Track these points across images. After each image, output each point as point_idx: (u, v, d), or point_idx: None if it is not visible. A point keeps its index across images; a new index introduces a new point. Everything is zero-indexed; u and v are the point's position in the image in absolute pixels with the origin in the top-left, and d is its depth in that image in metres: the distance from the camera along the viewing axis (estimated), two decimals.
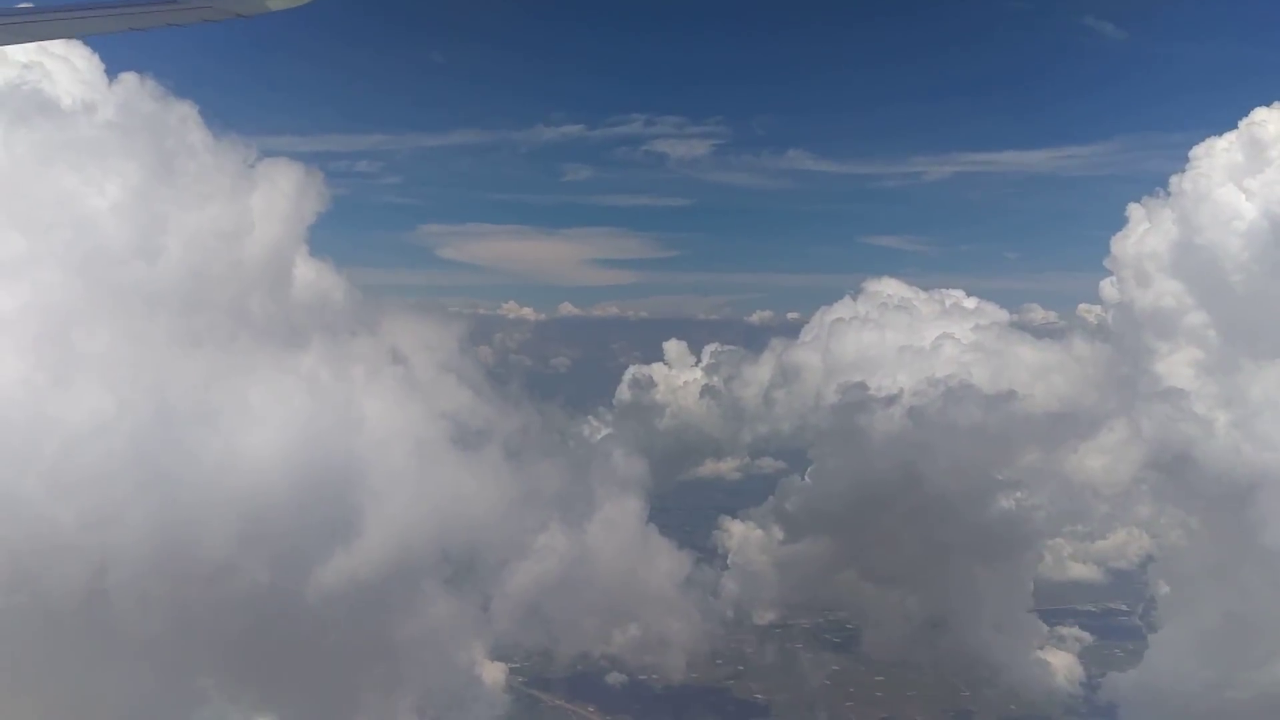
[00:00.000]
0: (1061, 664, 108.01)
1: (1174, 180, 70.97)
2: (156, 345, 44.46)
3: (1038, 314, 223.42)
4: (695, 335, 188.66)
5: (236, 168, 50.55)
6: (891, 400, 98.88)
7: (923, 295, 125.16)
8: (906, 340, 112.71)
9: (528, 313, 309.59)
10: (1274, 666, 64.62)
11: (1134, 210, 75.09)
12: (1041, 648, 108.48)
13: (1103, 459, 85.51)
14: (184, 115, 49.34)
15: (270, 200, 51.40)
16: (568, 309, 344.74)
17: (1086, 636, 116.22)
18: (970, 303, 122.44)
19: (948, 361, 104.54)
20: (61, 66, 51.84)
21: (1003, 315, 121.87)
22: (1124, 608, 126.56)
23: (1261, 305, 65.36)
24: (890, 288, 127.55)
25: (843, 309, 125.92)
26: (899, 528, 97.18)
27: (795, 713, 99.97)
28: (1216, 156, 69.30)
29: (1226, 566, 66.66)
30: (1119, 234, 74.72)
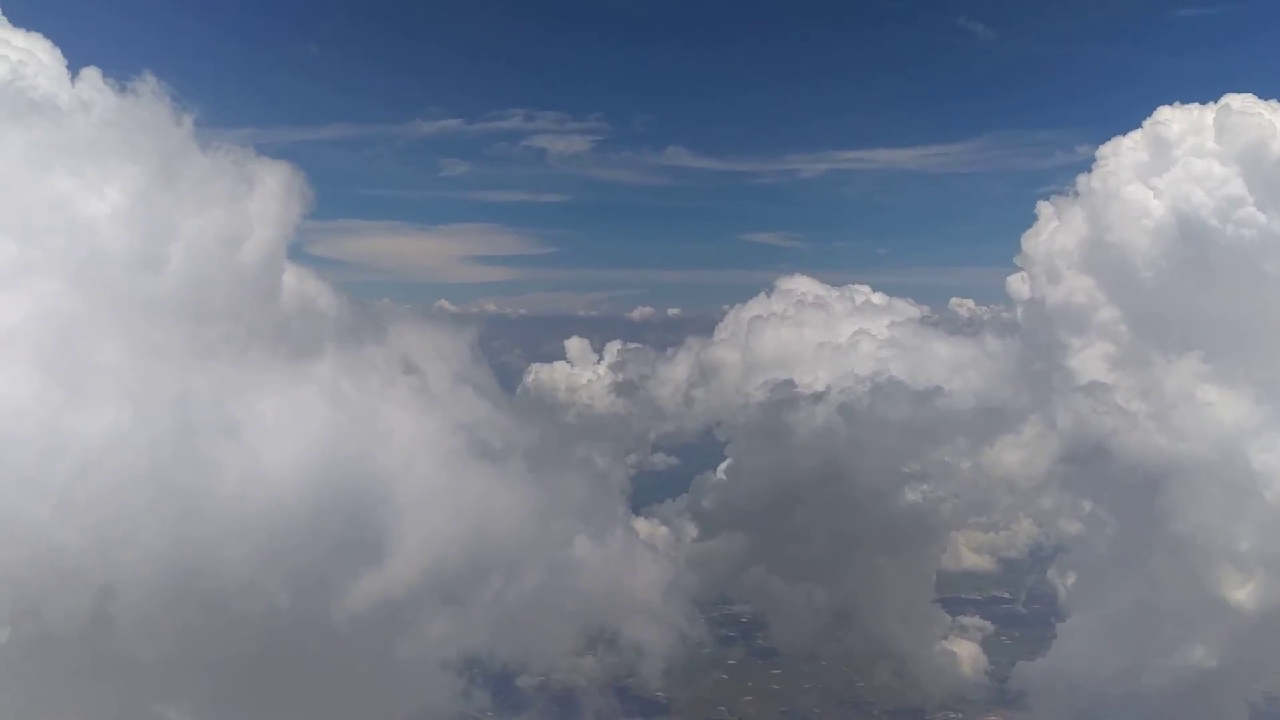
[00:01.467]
0: (966, 653, 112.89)
1: (1081, 179, 73.75)
2: (167, 357, 41.90)
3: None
4: (576, 332, 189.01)
5: (234, 168, 47.92)
6: (819, 397, 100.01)
7: (834, 292, 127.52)
8: (824, 337, 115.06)
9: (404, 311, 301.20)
10: (1185, 652, 66.91)
11: (1043, 208, 78.14)
12: (945, 637, 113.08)
13: (1018, 453, 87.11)
14: (178, 115, 46.51)
15: (261, 202, 48.95)
16: (445, 306, 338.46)
17: (988, 625, 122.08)
18: (877, 298, 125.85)
19: (866, 357, 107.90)
20: (30, 61, 48.84)
21: (915, 311, 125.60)
22: (1006, 596, 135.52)
23: (1171, 300, 68.41)
24: (802, 285, 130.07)
25: (758, 306, 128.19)
26: (812, 523, 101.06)
27: (694, 708, 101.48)
28: (1123, 155, 71.93)
29: (1136, 555, 69.50)
30: (1029, 231, 77.49)
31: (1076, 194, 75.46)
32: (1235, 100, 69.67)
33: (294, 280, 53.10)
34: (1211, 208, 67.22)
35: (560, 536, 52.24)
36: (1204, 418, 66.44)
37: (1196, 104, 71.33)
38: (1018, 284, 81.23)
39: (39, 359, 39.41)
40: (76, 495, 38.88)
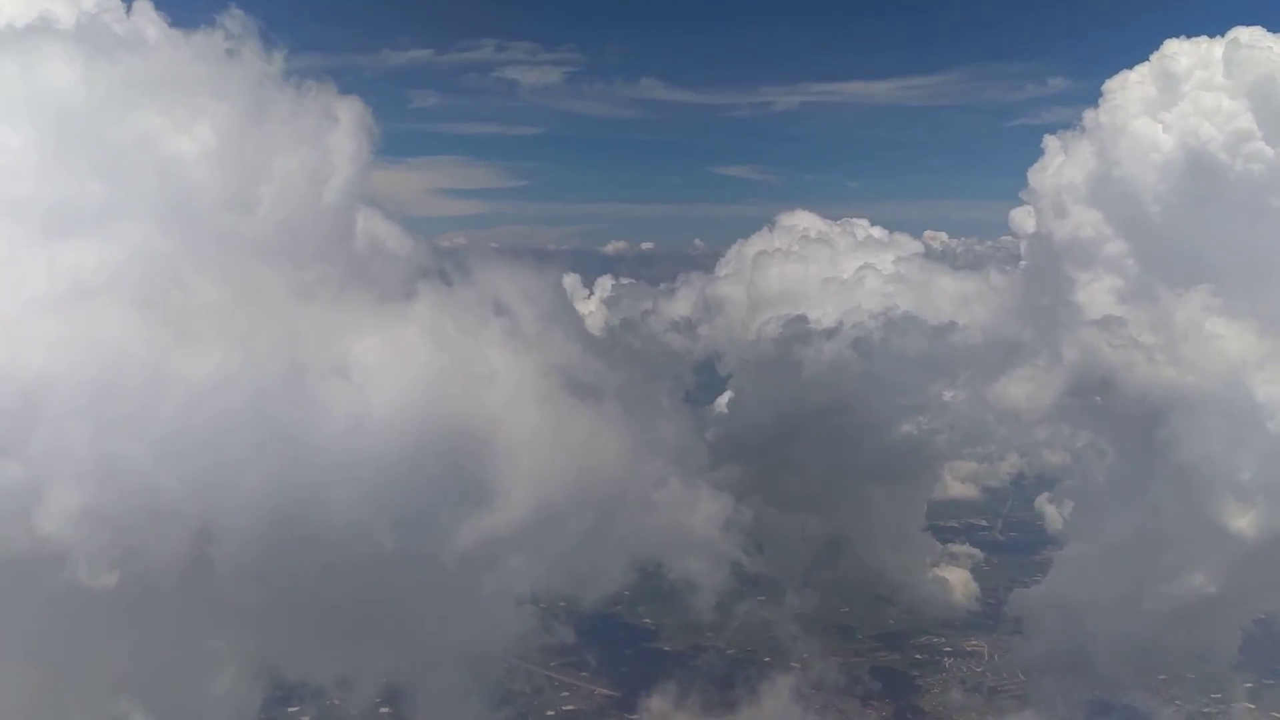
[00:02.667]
0: (958, 580, 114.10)
1: (1088, 114, 74.12)
2: (268, 299, 40.93)
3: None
4: (549, 265, 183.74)
5: (317, 104, 46.66)
6: (831, 332, 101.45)
7: (835, 227, 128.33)
8: (829, 272, 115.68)
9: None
10: (1185, 578, 68.88)
11: (1050, 142, 78.44)
12: (936, 565, 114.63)
13: (1025, 386, 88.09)
14: (268, 51, 45.25)
15: (339, 139, 47.80)
16: None
17: (977, 553, 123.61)
18: (877, 232, 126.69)
19: (872, 293, 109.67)
20: None
21: (917, 246, 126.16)
22: (984, 523, 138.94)
23: (1179, 234, 68.87)
24: (804, 220, 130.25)
25: (761, 242, 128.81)
26: (811, 455, 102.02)
27: (681, 636, 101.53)
28: (1130, 90, 72.82)
29: (1137, 485, 71.16)
30: (1035, 166, 77.87)
31: (1083, 129, 75.55)
32: (1244, 34, 69.51)
33: (363, 220, 51.85)
34: (1220, 142, 67.38)
35: (654, 477, 51.20)
36: (1210, 350, 67.20)
37: (1205, 37, 71.89)
38: (1021, 218, 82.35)
39: (139, 302, 38.45)
40: (179, 438, 38.10)
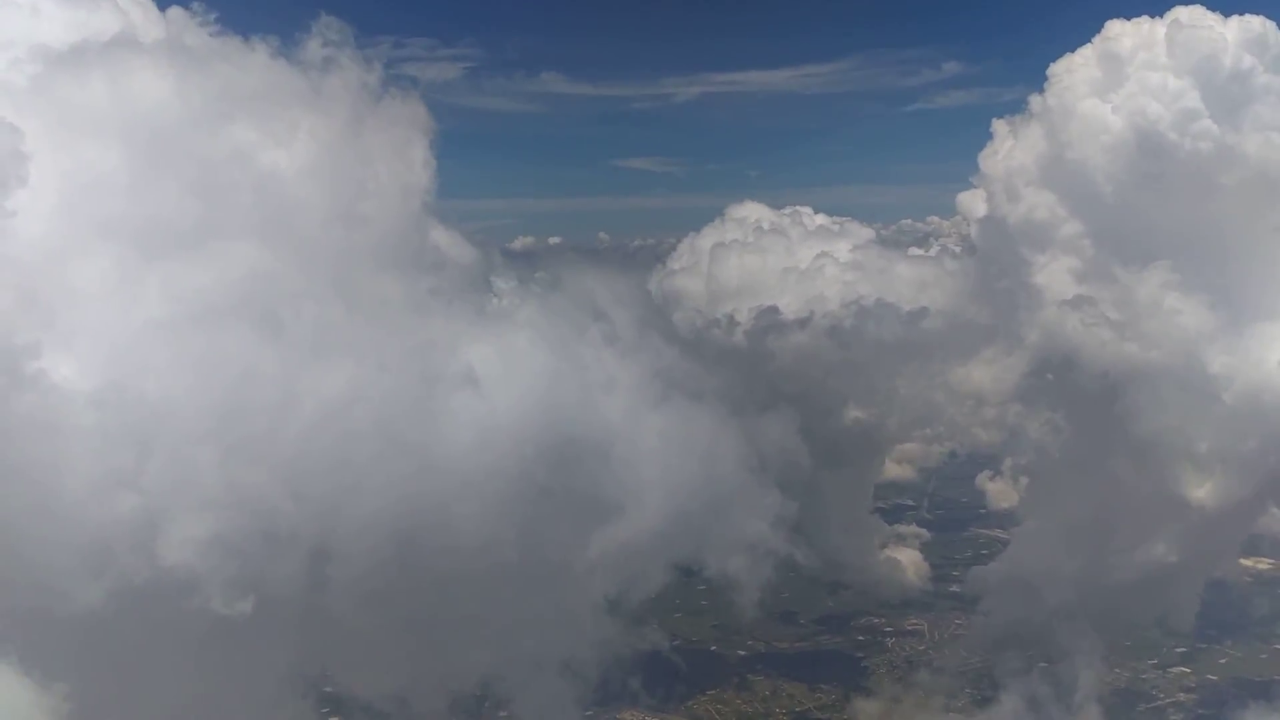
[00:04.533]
0: (909, 560, 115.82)
1: (1035, 98, 75.68)
2: (384, 313, 39.67)
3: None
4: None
5: (406, 112, 45.47)
6: (804, 322, 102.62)
7: (785, 217, 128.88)
8: (786, 262, 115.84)
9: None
10: (1145, 549, 71.24)
11: (998, 126, 79.48)
12: (884, 546, 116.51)
13: (986, 368, 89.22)
14: (365, 60, 43.99)
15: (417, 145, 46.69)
16: None
17: (924, 533, 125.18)
18: (820, 219, 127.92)
19: (832, 281, 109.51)
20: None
21: (869, 233, 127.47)
22: (910, 503, 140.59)
23: (1131, 214, 70.26)
24: (753, 211, 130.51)
25: (713, 234, 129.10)
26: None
27: (626, 626, 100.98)
28: (1076, 72, 73.83)
29: (1096, 460, 73.24)
30: (985, 149, 78.75)
31: (1030, 112, 76.91)
32: (1184, 13, 70.91)
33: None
34: (1168, 121, 68.46)
35: (761, 482, 50.13)
36: (1168, 326, 68.58)
37: (1146, 17, 72.91)
38: (970, 201, 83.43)
39: (254, 321, 37.19)
40: (301, 459, 36.90)
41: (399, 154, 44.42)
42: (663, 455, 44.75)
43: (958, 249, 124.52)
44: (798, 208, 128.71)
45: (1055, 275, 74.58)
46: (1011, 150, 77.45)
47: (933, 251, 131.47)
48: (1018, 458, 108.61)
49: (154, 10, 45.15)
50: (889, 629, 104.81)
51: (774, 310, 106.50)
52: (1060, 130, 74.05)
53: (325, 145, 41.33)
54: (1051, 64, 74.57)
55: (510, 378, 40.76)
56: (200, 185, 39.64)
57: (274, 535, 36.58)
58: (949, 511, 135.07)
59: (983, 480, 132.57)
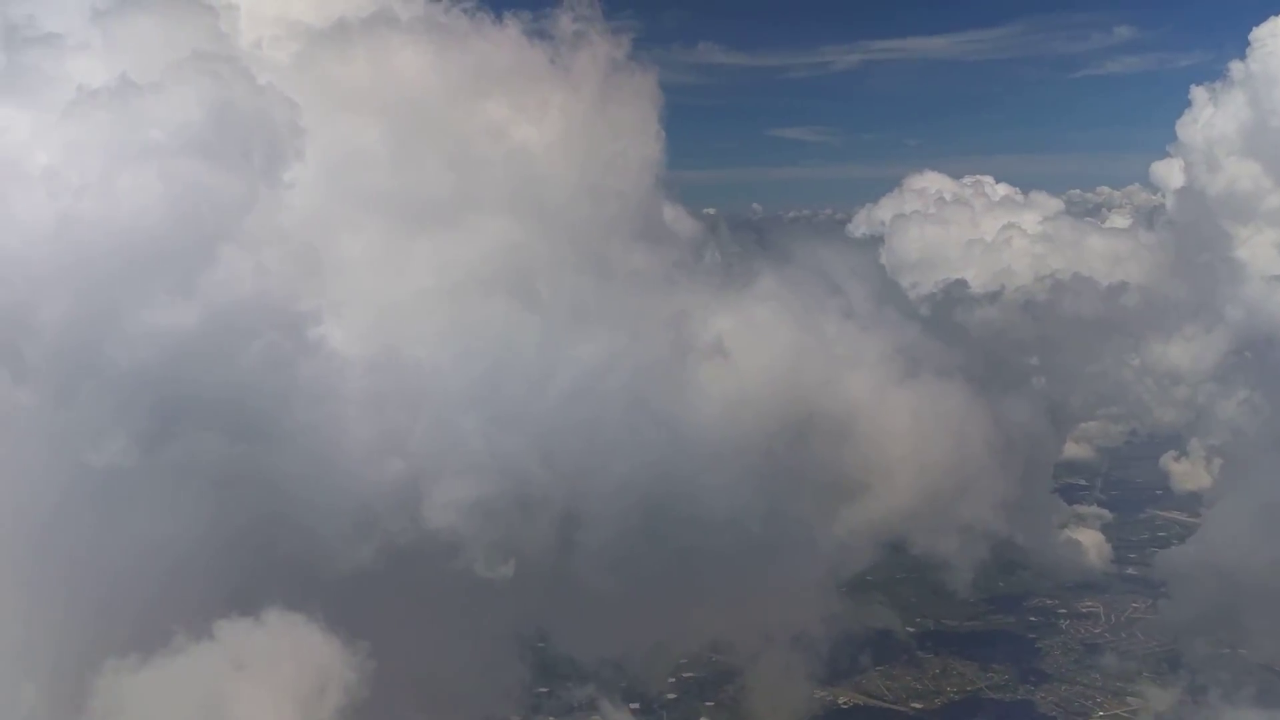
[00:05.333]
0: (1090, 542, 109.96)
1: (1236, 64, 71.36)
2: (636, 285, 39.91)
3: None
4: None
5: (643, 83, 45.50)
6: (994, 296, 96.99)
7: (967, 188, 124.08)
8: (970, 234, 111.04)
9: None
10: None
11: (1197, 94, 77.51)
12: (1064, 526, 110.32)
13: (1185, 345, 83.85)
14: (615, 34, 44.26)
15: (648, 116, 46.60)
16: None
17: (1105, 514, 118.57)
18: (1005, 189, 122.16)
19: (1020, 254, 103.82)
20: None
21: (1057, 204, 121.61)
22: (1083, 483, 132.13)
23: None
24: (933, 182, 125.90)
25: (891, 204, 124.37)
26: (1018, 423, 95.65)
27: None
28: None
29: None
30: (1183, 118, 73.75)
31: (1231, 79, 73.21)
32: None
33: None
34: None
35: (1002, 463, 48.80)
36: None
37: None
38: (1165, 172, 78.37)
39: (513, 292, 37.76)
40: (558, 427, 37.35)
41: (637, 127, 44.51)
42: (909, 433, 43.78)
43: (1131, 220, 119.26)
44: (979, 177, 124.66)
45: (1259, 249, 72.21)
46: (1212, 118, 74.53)
47: (1109, 222, 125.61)
48: (1207, 438, 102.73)
49: None
50: (1063, 610, 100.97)
51: (962, 283, 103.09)
52: (1265, 97, 70.90)
53: (573, 119, 41.66)
54: (1255, 28, 71.33)
55: (755, 351, 40.52)
56: (456, 160, 40.43)
57: (527, 500, 37.14)
58: (1123, 492, 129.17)
59: (1166, 461, 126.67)
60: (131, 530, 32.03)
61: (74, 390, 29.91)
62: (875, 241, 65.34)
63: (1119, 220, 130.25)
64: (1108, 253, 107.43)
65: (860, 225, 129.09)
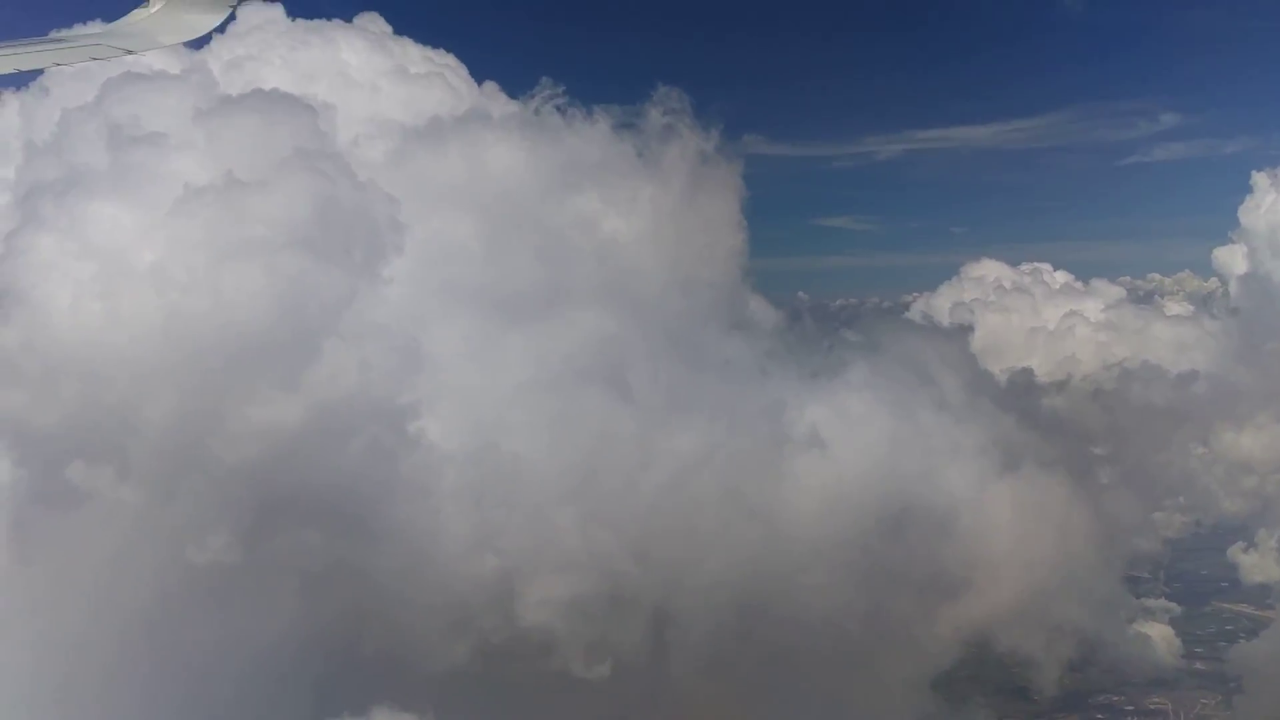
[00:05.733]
0: (1160, 635, 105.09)
1: None
2: (730, 375, 39.50)
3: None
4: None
5: (727, 175, 45.54)
6: (1061, 385, 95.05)
7: (1026, 276, 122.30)
8: (1032, 322, 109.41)
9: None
10: None
11: (1258, 179, 74.38)
12: (1132, 620, 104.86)
13: (1257, 434, 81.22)
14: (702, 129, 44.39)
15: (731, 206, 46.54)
16: None
17: (1174, 606, 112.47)
18: (1061, 276, 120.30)
19: (1083, 342, 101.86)
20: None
21: (1119, 291, 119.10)
22: (1145, 575, 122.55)
23: None
24: (991, 270, 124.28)
25: (950, 293, 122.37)
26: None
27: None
28: None
29: None
30: (1245, 204, 73.84)
31: None
32: None
33: None
34: None
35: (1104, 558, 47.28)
36: None
37: None
38: (1228, 257, 76.40)
39: (607, 383, 37.42)
40: (652, 520, 36.70)
41: (723, 217, 44.47)
42: (1011, 527, 42.56)
43: (1189, 307, 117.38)
44: (1037, 264, 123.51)
45: None
46: (1275, 204, 73.63)
47: (1164, 309, 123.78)
48: (1277, 529, 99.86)
49: (468, 80, 47.02)
50: (1130, 708, 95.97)
51: (1028, 372, 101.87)
52: None
53: (662, 211, 41.63)
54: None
55: (850, 442, 39.69)
56: (548, 253, 40.45)
57: (620, 598, 36.40)
58: (1188, 585, 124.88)
59: (1234, 552, 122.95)
60: (228, 625, 31.79)
61: (177, 487, 29.75)
62: (964, 330, 64.81)
63: (1174, 307, 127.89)
64: (1172, 340, 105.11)
65: (918, 313, 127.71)
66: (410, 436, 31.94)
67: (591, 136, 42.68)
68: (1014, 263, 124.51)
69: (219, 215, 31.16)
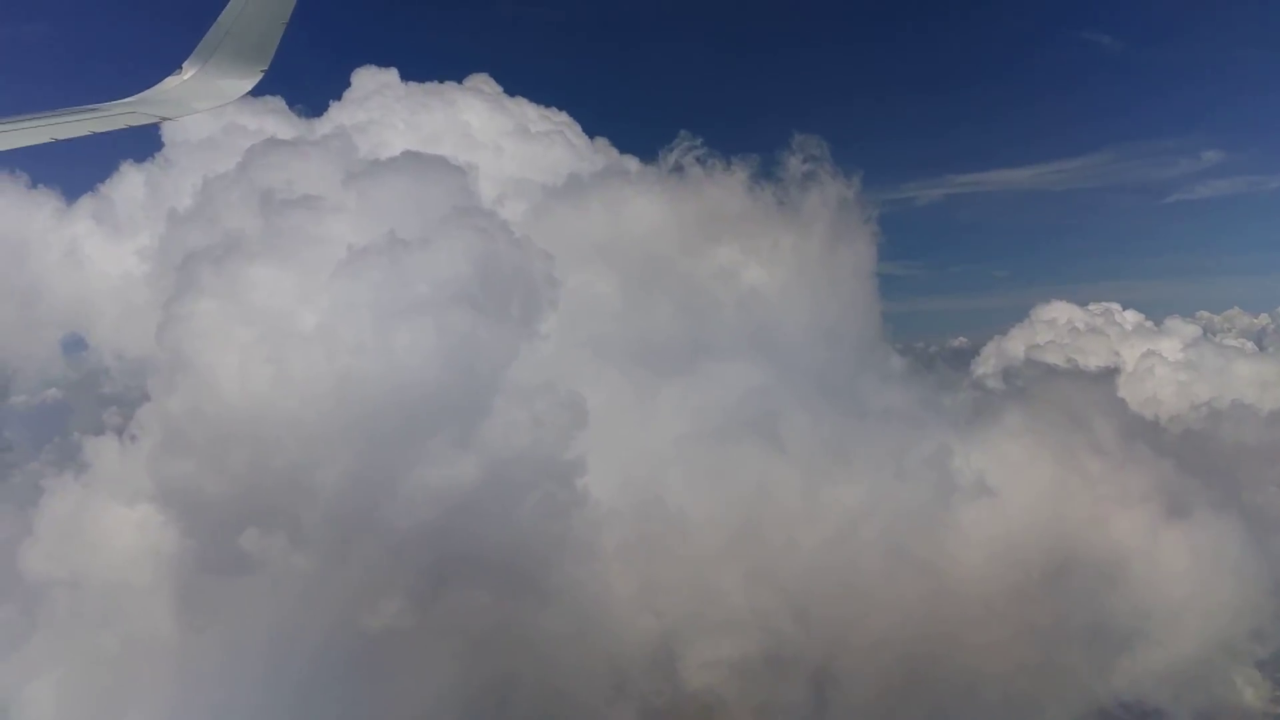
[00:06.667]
0: (1245, 679, 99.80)
1: None
2: (884, 425, 38.35)
3: None
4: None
5: (864, 223, 44.76)
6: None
7: (1097, 317, 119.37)
8: (1108, 364, 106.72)
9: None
10: None
11: None
12: None
13: None
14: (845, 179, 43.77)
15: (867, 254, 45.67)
16: None
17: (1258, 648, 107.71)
18: (1131, 316, 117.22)
19: (1164, 382, 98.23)
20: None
21: (1194, 330, 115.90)
22: None
23: None
24: (1062, 312, 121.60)
25: (1021, 336, 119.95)
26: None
27: None
28: None
29: None
30: None
31: None
32: None
33: None
34: None
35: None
36: None
37: None
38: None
39: (762, 437, 36.54)
40: (813, 577, 35.57)
41: (862, 264, 43.71)
42: (1187, 574, 40.72)
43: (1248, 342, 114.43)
44: (1108, 305, 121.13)
45: None
46: None
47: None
48: None
49: (583, 136, 47.06)
50: None
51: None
52: None
53: (803, 260, 40.89)
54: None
55: (1014, 490, 38.28)
56: (690, 305, 39.90)
57: (781, 658, 35.34)
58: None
59: None
60: (392, 688, 31.13)
61: (350, 552, 29.23)
62: (1110, 373, 63.05)
63: (1230, 344, 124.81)
64: (1254, 378, 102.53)
65: (989, 359, 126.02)
66: (578, 493, 31.17)
67: (731, 186, 42.19)
68: (1081, 302, 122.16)
69: (384, 275, 30.85)
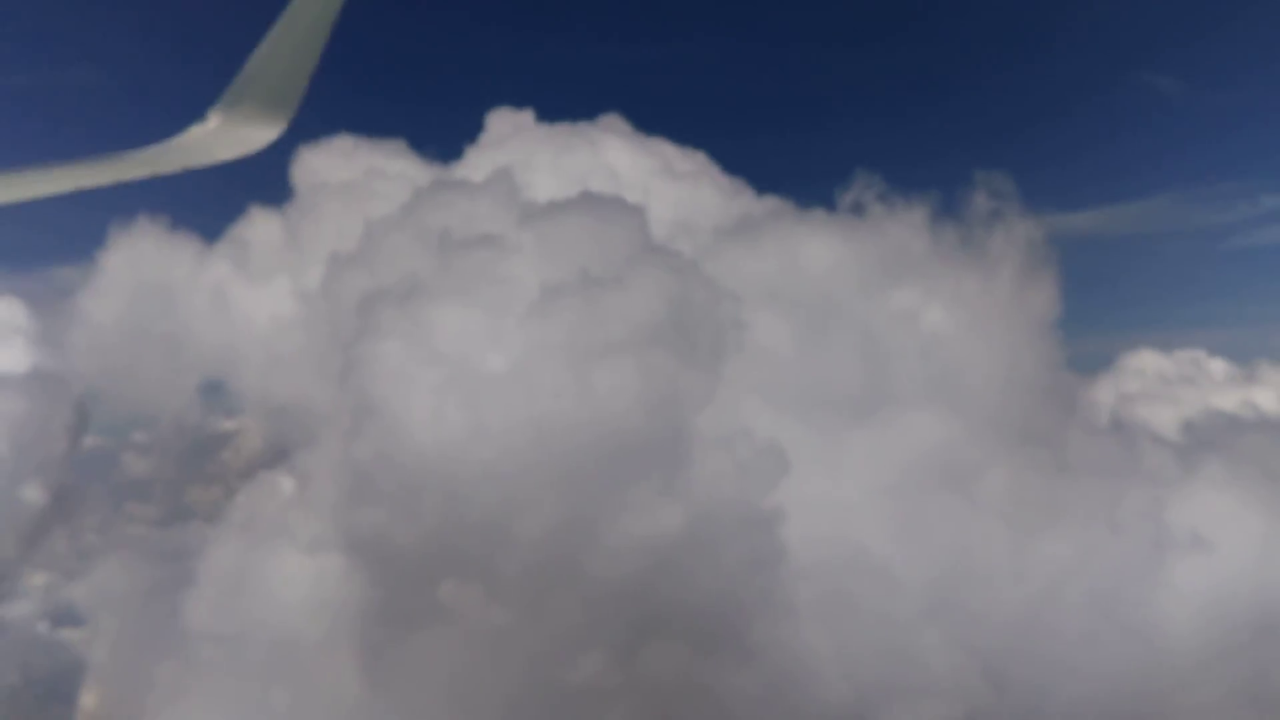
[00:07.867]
0: None
1: None
2: (1086, 479, 36.25)
3: None
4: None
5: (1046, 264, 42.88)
6: None
7: (1186, 365, 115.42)
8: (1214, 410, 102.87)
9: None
10: None
11: None
12: None
13: None
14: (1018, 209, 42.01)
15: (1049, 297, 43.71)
16: None
17: None
18: (1218, 364, 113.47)
19: None
20: None
21: None
22: None
23: None
24: (1148, 361, 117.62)
25: (1108, 386, 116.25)
26: None
27: None
28: None
29: None
30: None
31: None
32: None
33: None
34: None
35: None
36: None
37: None
38: None
39: (953, 489, 34.60)
40: (1008, 639, 33.49)
41: (1046, 306, 41.78)
42: None
43: None
44: (1194, 353, 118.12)
45: None
46: None
47: None
48: None
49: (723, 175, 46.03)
50: None
51: None
52: None
53: (987, 302, 39.06)
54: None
55: (1225, 543, 35.88)
56: (869, 351, 38.27)
57: None
58: None
59: None
60: None
61: (549, 605, 27.84)
62: None
63: None
64: None
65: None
66: (778, 546, 29.53)
67: (911, 224, 40.62)
68: (1125, 349, 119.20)
69: (578, 316, 29.66)
